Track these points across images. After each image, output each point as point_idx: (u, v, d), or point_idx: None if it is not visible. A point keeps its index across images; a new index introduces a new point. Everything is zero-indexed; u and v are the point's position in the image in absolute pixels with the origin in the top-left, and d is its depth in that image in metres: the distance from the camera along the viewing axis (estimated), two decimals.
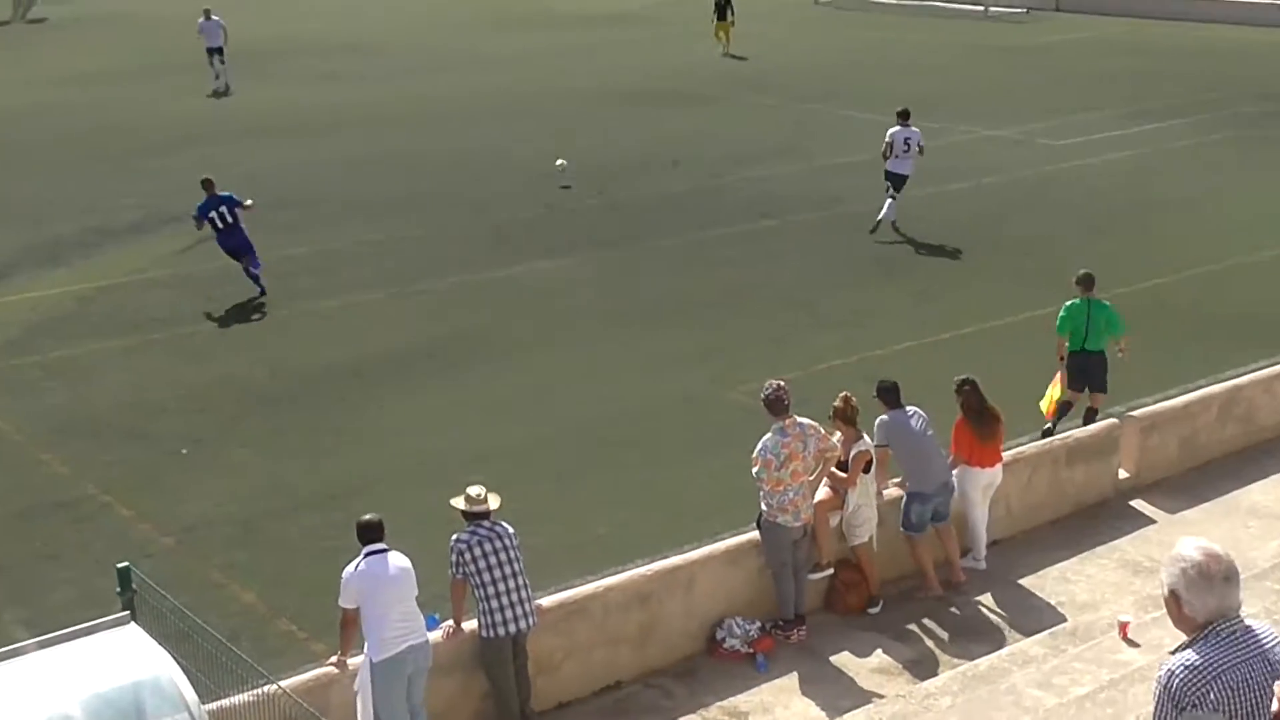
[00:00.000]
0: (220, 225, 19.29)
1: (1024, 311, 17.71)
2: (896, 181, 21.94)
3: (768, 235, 22.09)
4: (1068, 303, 14.02)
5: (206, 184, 19.60)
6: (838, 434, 10.90)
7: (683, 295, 19.18)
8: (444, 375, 16.38)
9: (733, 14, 42.02)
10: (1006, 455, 11.83)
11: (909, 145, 21.88)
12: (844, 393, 11.15)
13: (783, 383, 10.73)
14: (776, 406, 10.53)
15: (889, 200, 21.96)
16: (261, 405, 15.63)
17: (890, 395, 11.18)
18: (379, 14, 54.19)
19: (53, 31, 55.41)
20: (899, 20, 48.90)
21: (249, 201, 19.73)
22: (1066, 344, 13.94)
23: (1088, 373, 13.92)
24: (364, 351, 17.23)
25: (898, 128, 21.92)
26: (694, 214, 23.39)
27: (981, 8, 49.85)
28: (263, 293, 19.34)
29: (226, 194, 19.52)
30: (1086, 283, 13.96)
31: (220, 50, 37.33)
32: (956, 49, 41.61)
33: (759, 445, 10.48)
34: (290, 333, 18.05)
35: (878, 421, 11.14)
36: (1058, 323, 14.03)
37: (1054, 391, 14.06)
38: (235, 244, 19.42)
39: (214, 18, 37.34)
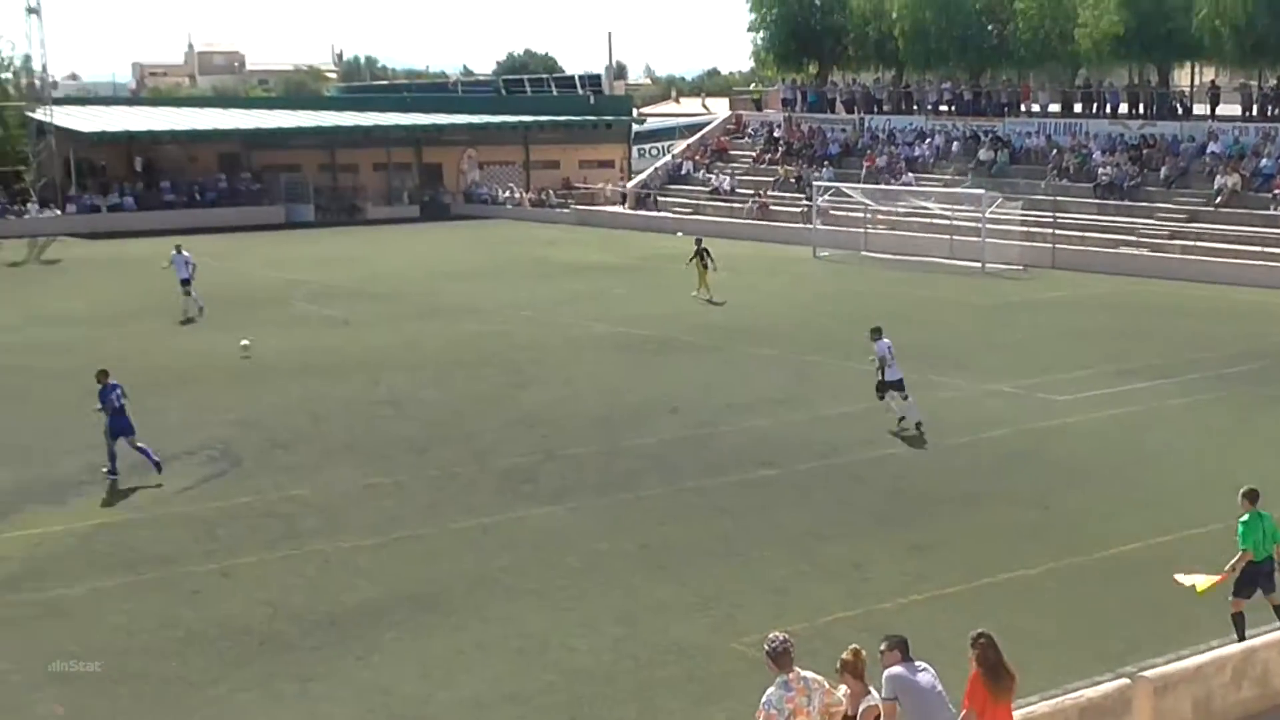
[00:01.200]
0: (117, 406, 22.72)
1: (1033, 566, 17.77)
2: (898, 385, 25.25)
3: (767, 484, 22.30)
4: (1242, 518, 14.85)
5: (102, 375, 23.02)
6: (844, 688, 10.87)
7: (682, 543, 19.27)
8: (443, 622, 16.35)
9: (712, 262, 43.58)
10: (1017, 714, 11.78)
11: (891, 353, 25.26)
12: (853, 645, 11.16)
13: (787, 635, 10.77)
14: (781, 659, 10.54)
15: (907, 402, 25.27)
16: (261, 648, 15.58)
17: (900, 648, 11.20)
18: (391, 264, 55.59)
19: (62, 273, 56.71)
20: (899, 275, 50.06)
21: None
22: (1250, 556, 14.80)
23: (1257, 580, 14.84)
24: (363, 596, 17.24)
25: (882, 342, 25.32)
26: (692, 462, 23.64)
27: (979, 264, 51.09)
28: (159, 469, 22.85)
29: (115, 384, 22.95)
30: (1253, 496, 14.98)
31: (188, 282, 41.63)
32: (955, 303, 42.57)
33: (763, 699, 10.46)
34: (293, 574, 18.07)
35: (885, 675, 11.13)
36: (1240, 537, 14.84)
37: (1199, 584, 14.86)
38: (123, 425, 22.82)
39: (184, 253, 41.94)
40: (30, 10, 77.65)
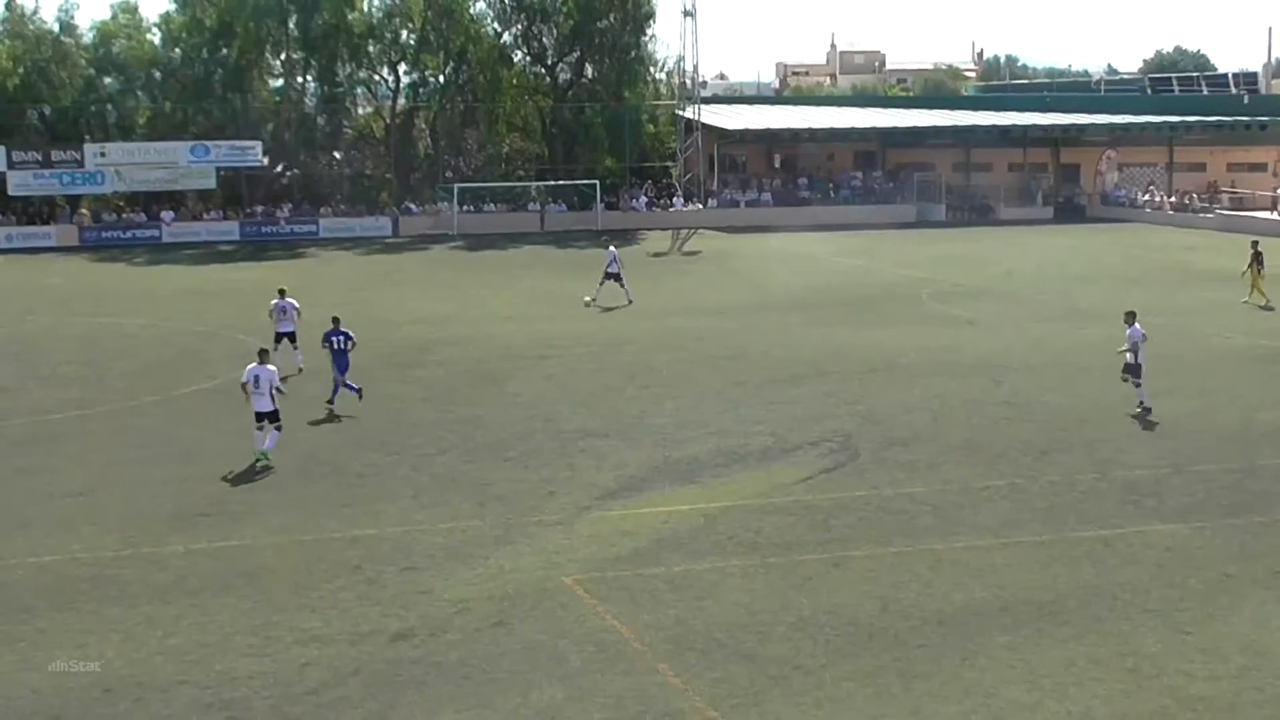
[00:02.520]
0: (336, 348, 28.39)
1: None
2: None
3: None
4: None
5: (335, 320, 28.92)
6: None
7: None
8: (1056, 632, 16.03)
9: (1263, 265, 40.75)
10: None
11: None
12: None
13: None
14: None
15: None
16: (869, 641, 15.92)
17: None
18: (1020, 265, 54.88)
19: (701, 264, 60.06)
20: None
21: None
22: None
23: None
24: (973, 597, 17.19)
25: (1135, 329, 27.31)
26: None
27: None
28: (359, 396, 28.34)
29: (344, 330, 28.55)
30: None
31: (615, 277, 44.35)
32: None
33: None
34: (904, 571, 18.31)
35: None
36: None
37: None
38: (343, 364, 28.38)
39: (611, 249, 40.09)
40: (686, 13, 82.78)
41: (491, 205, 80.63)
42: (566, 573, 18.27)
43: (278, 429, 24.08)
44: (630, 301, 44.64)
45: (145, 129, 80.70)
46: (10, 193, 73.19)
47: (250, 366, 24.16)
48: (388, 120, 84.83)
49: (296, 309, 33.28)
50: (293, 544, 19.63)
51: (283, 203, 79.15)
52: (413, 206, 79.68)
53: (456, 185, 79.13)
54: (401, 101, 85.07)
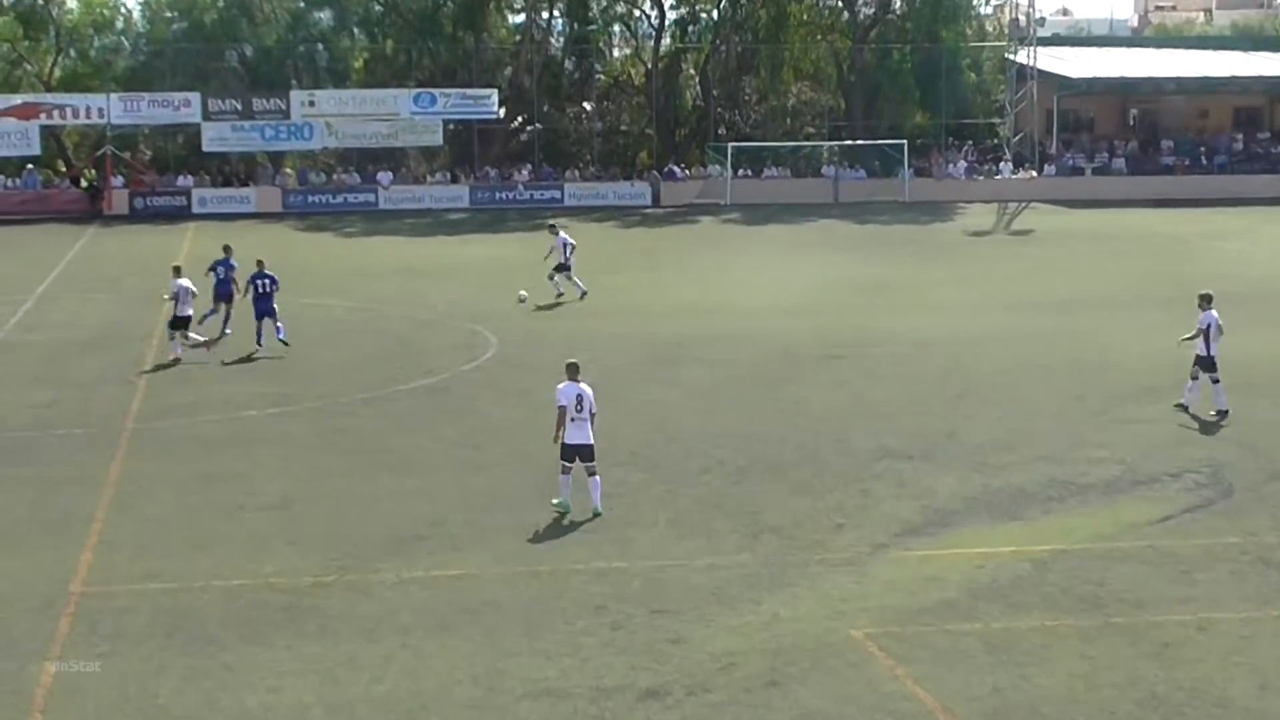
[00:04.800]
0: (260, 292, 35.60)
1: None
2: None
3: None
4: None
5: (259, 263, 36.45)
6: None
7: None
8: None
9: None
10: None
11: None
12: None
13: None
14: None
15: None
16: None
17: None
18: None
19: (1034, 245, 59.14)
20: None
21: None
22: None
23: None
24: None
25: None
26: None
27: None
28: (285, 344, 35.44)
29: (271, 273, 35.87)
30: None
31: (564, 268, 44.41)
32: None
33: None
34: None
35: None
36: None
37: None
38: (267, 308, 35.50)
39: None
40: None
41: (773, 169, 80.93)
42: (856, 625, 18.18)
43: (595, 474, 22.67)
44: (583, 295, 44.23)
45: (361, 74, 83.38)
46: (205, 148, 76.56)
47: (563, 385, 22.80)
48: (648, 65, 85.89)
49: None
50: (525, 576, 20.00)
51: (521, 164, 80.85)
52: (677, 170, 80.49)
53: (731, 145, 79.53)
54: (666, 42, 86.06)
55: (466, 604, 18.96)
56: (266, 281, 35.94)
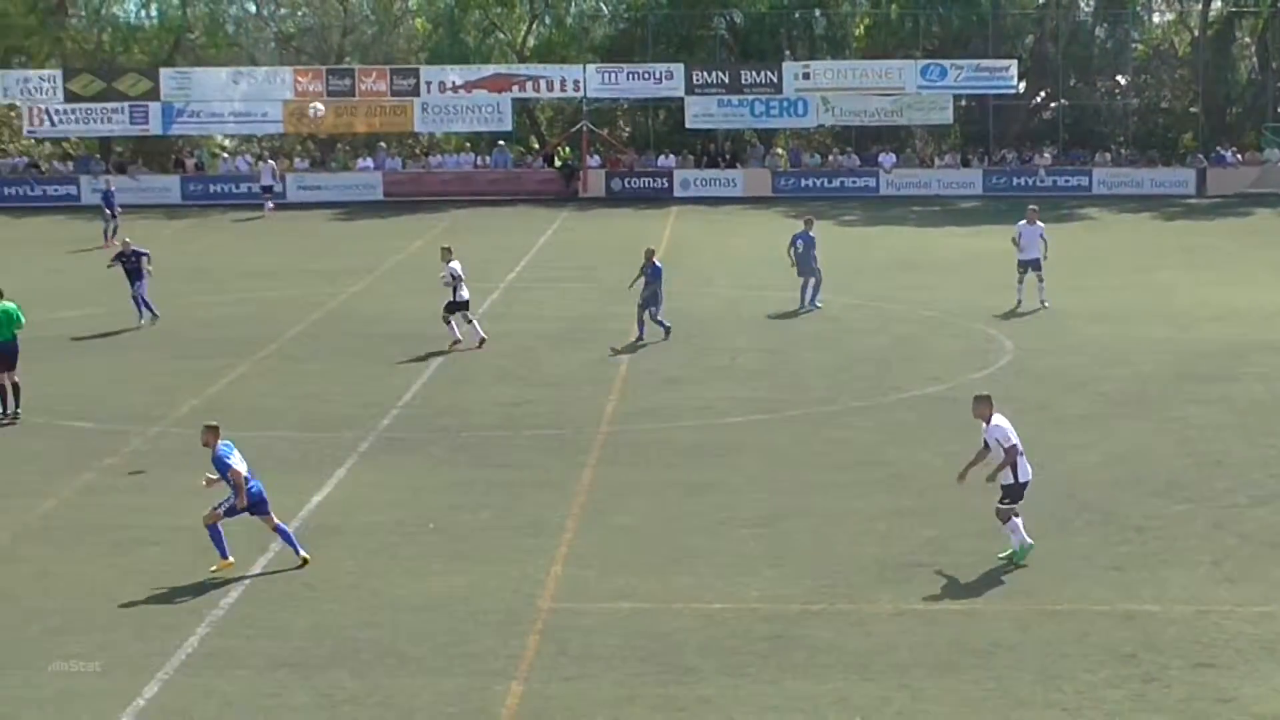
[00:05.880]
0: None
1: None
2: None
3: None
4: None
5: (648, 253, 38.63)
6: None
7: None
8: None
9: None
10: None
11: None
12: None
13: None
14: None
15: None
16: None
17: None
18: None
19: None
20: None
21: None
22: None
23: None
24: None
25: None
26: None
27: None
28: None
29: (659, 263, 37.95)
30: None
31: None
32: None
33: None
34: None
35: None
36: None
37: None
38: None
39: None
40: None
41: None
42: None
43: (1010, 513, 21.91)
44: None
45: (862, 43, 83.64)
46: (688, 124, 78.11)
47: (1000, 422, 21.85)
48: (1194, 32, 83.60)
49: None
50: (1040, 615, 19.74)
51: (1042, 145, 79.78)
52: (1226, 154, 77.92)
53: None
54: (1216, 5, 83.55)
55: (971, 643, 18.81)
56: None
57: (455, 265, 37.56)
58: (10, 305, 30.59)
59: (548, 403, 31.99)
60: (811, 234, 42.88)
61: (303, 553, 21.68)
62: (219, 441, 21.41)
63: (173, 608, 20.26)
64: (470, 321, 37.70)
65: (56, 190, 74.76)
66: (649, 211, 70.19)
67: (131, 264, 40.89)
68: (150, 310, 41.04)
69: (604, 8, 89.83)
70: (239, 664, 18.40)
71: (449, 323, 37.49)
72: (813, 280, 42.65)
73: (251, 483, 21.45)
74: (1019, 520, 21.68)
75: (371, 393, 32.72)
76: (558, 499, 24.95)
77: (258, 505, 21.51)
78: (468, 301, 37.78)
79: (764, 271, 48.67)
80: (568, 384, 33.77)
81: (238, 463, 21.33)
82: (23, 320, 30.70)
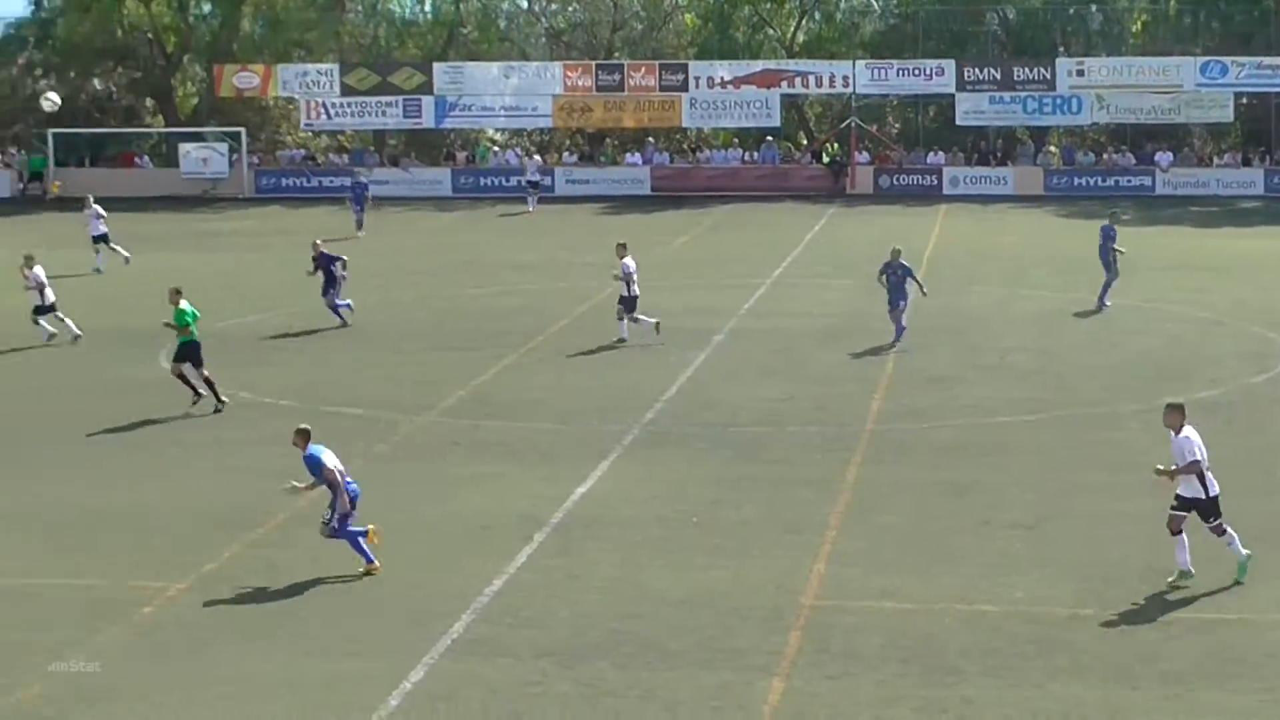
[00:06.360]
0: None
1: None
2: None
3: None
4: None
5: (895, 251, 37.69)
6: None
7: None
8: None
9: None
10: None
11: None
12: None
13: None
14: None
15: None
16: None
17: None
18: None
19: None
20: None
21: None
22: None
23: None
24: None
25: None
26: None
27: None
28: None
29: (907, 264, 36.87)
30: None
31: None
32: None
33: None
34: None
35: None
36: None
37: None
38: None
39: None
40: None
41: None
42: None
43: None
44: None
45: (1139, 39, 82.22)
46: (958, 121, 77.57)
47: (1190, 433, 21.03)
48: None
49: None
50: None
51: None
52: None
53: None
54: None
55: (1242, 653, 18.37)
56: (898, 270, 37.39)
57: (629, 262, 37.83)
58: (189, 307, 31.25)
59: (812, 399, 31.93)
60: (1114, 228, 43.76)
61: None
62: (309, 444, 21.57)
63: (438, 595, 20.57)
64: (636, 320, 37.87)
65: (331, 181, 76.00)
66: (918, 209, 69.85)
67: (323, 267, 40.01)
68: (340, 317, 39.87)
69: (874, 4, 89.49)
70: (502, 652, 18.63)
71: (622, 319, 37.82)
72: (1107, 278, 42.59)
73: (350, 484, 21.51)
74: (1233, 532, 20.74)
75: (636, 386, 32.96)
76: (821, 496, 24.91)
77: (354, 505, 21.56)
78: (637, 298, 37.84)
79: (1035, 271, 48.11)
80: (833, 381, 33.71)
81: (330, 461, 21.46)
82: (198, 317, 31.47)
